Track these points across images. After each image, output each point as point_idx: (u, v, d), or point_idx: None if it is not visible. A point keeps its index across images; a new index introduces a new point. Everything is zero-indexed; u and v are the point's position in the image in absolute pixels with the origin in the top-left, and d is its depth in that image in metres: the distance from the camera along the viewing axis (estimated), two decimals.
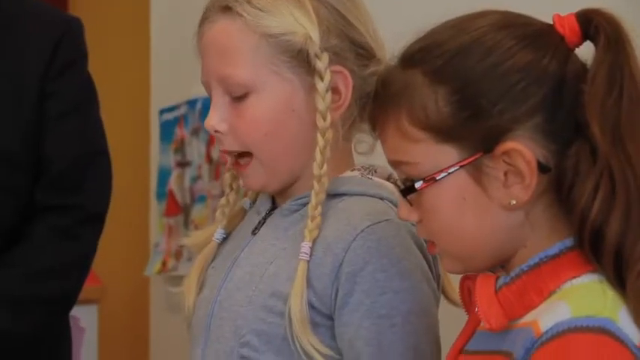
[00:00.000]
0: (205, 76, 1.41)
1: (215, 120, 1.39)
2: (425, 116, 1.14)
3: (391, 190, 1.39)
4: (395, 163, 1.19)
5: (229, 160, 1.45)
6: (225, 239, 1.48)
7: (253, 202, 1.50)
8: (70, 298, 1.96)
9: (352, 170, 1.43)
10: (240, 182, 1.47)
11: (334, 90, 1.37)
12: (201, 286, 1.46)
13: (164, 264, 3.19)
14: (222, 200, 1.49)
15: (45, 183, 1.92)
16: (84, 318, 3.05)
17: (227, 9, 1.38)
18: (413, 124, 1.15)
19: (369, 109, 1.24)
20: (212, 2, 1.41)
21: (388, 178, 1.42)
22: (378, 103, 1.20)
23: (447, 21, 1.17)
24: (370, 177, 1.42)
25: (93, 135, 1.99)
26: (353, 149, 1.45)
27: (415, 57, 1.16)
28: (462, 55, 1.13)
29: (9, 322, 1.85)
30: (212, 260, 1.47)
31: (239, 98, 1.38)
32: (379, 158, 1.44)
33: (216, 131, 1.39)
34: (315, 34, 1.36)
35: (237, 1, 1.37)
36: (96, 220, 1.97)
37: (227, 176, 1.49)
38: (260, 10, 1.37)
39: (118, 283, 3.30)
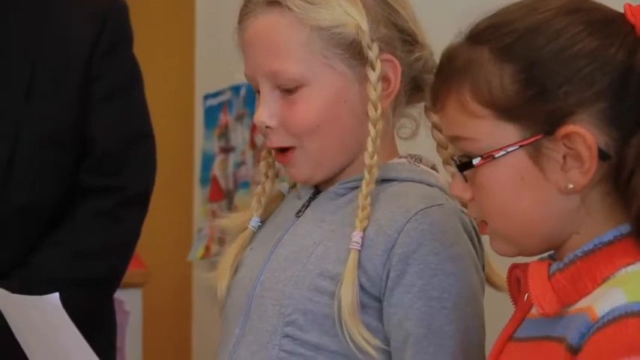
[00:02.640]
0: (251, 71, 1.41)
1: (265, 115, 1.39)
2: (489, 93, 1.14)
3: (437, 178, 1.41)
4: (453, 138, 1.19)
5: (271, 151, 1.45)
6: (261, 225, 1.48)
7: (292, 186, 1.50)
8: (114, 281, 1.97)
9: (399, 158, 1.43)
10: (283, 171, 1.47)
11: (384, 79, 1.38)
12: (235, 270, 1.45)
13: (207, 249, 3.20)
14: (258, 189, 1.49)
15: (89, 164, 1.93)
16: (128, 301, 3.06)
17: (274, 3, 1.38)
18: (476, 100, 1.15)
19: (431, 83, 1.24)
20: None
21: (432, 168, 1.43)
22: (441, 77, 1.20)
23: (518, 1, 1.18)
24: (417, 165, 1.42)
25: (138, 117, 1.99)
26: (396, 135, 1.45)
27: (483, 34, 1.16)
28: (531, 35, 1.14)
29: None
30: (247, 247, 1.47)
31: (289, 91, 1.38)
32: (418, 148, 1.44)
33: (267, 127, 1.39)
34: (364, 25, 1.36)
35: None
36: (139, 202, 1.97)
37: (262, 165, 1.49)
38: (309, 3, 1.37)
39: (162, 268, 3.31)
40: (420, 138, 1.47)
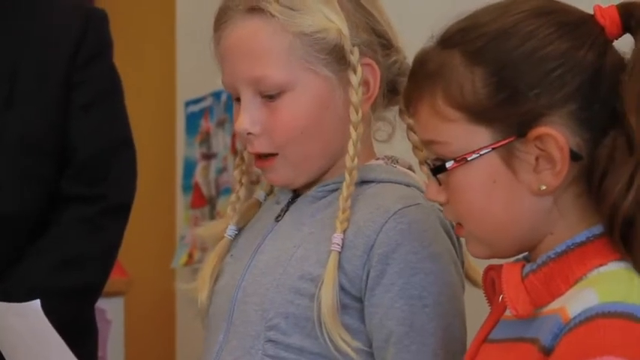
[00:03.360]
0: (230, 78, 1.40)
1: (247, 122, 1.38)
2: (461, 96, 1.14)
3: (414, 178, 1.42)
4: (427, 142, 1.19)
5: (247, 158, 1.46)
6: (239, 232, 1.48)
7: (268, 193, 1.50)
8: (95, 289, 1.97)
9: (377, 159, 1.44)
10: (263, 177, 1.47)
11: (364, 83, 1.39)
12: (216, 278, 1.45)
13: (190, 256, 3.20)
14: (232, 197, 1.49)
15: (70, 173, 1.93)
16: (110, 310, 3.06)
17: (254, 10, 1.38)
18: (448, 104, 1.15)
19: (404, 88, 1.25)
20: (232, 3, 1.40)
21: (409, 169, 1.44)
22: (413, 81, 1.21)
23: (489, 4, 1.18)
24: (394, 166, 1.43)
25: (118, 125, 1.99)
26: (372, 138, 1.46)
27: (454, 38, 1.17)
28: (502, 38, 1.14)
29: None
30: (225, 255, 1.47)
31: (271, 97, 1.38)
32: (394, 149, 1.46)
33: (249, 133, 1.39)
34: (345, 29, 1.37)
35: (266, 1, 1.37)
36: (120, 210, 1.97)
37: (236, 173, 1.49)
38: (291, 8, 1.37)
39: (144, 276, 3.31)
40: (396, 140, 1.48)
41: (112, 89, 2.00)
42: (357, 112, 1.37)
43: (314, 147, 1.39)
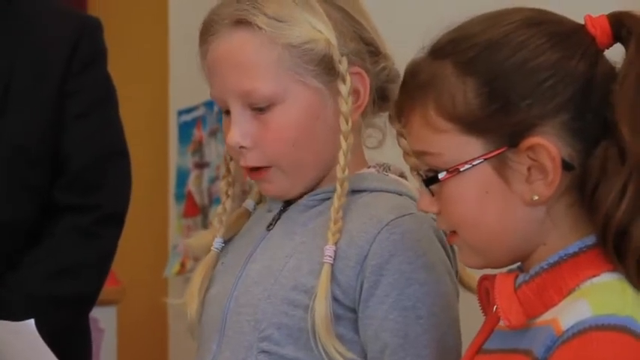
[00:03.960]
0: (219, 92, 1.40)
1: (238, 136, 1.38)
2: (452, 107, 1.14)
3: (407, 186, 1.41)
4: (418, 153, 1.19)
5: (233, 169, 1.45)
6: (228, 242, 1.47)
7: (257, 202, 1.50)
8: (90, 299, 1.97)
9: (368, 168, 1.44)
10: (257, 188, 1.47)
11: (354, 92, 1.38)
12: (207, 287, 1.45)
13: (183, 265, 3.19)
14: (219, 208, 1.48)
15: (63, 182, 1.93)
16: (103, 319, 3.05)
17: (241, 22, 1.37)
18: (439, 114, 1.15)
19: (396, 99, 1.24)
20: (218, 16, 1.39)
21: (401, 176, 1.44)
22: (405, 92, 1.20)
23: (479, 15, 1.18)
24: (386, 174, 1.43)
25: (112, 134, 1.99)
26: (363, 145, 1.46)
27: (446, 48, 1.16)
28: (493, 48, 1.14)
29: None
30: (214, 267, 1.46)
31: (261, 110, 1.37)
32: (385, 155, 1.46)
33: (241, 147, 1.38)
34: (333, 39, 1.37)
35: (253, 14, 1.36)
36: (115, 219, 1.97)
37: (222, 184, 1.48)
38: (278, 20, 1.36)
39: (137, 285, 3.30)
40: (386, 146, 1.47)
41: (106, 98, 2.00)
42: (347, 122, 1.36)
43: (306, 158, 1.39)
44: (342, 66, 1.36)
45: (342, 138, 1.36)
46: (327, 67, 1.37)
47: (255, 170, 1.41)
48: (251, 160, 1.39)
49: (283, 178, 1.40)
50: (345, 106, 1.36)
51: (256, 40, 1.36)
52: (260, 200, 1.50)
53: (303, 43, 1.36)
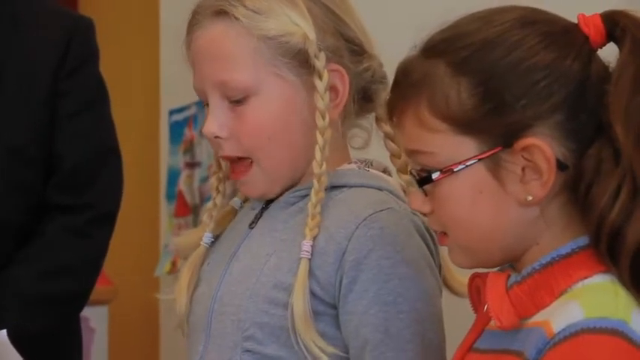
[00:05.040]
0: (199, 83, 1.40)
1: (215, 126, 1.38)
2: (446, 106, 1.14)
3: (388, 181, 1.40)
4: (411, 152, 1.18)
5: (224, 165, 1.45)
6: (216, 239, 1.47)
7: (244, 201, 1.49)
8: (82, 298, 1.96)
9: (349, 163, 1.43)
10: (238, 188, 1.47)
11: (332, 89, 1.38)
12: (195, 286, 1.45)
13: (174, 264, 3.19)
14: (209, 204, 1.48)
15: (56, 181, 1.93)
16: (94, 319, 3.05)
17: (220, 13, 1.38)
18: (433, 114, 1.14)
19: (388, 98, 1.23)
20: (201, 7, 1.40)
21: (384, 171, 1.43)
22: (397, 91, 1.19)
23: (473, 13, 1.17)
24: (367, 169, 1.42)
25: (104, 134, 1.99)
26: (348, 144, 1.45)
27: (439, 47, 1.16)
28: (487, 48, 1.13)
29: (19, 322, 1.85)
30: (202, 263, 1.46)
31: (238, 102, 1.37)
32: (371, 154, 1.45)
33: (216, 137, 1.38)
34: (311, 34, 1.36)
35: (232, 5, 1.37)
36: (107, 219, 1.97)
37: (213, 180, 1.48)
38: (256, 12, 1.36)
39: (128, 284, 3.30)
40: (373, 147, 1.46)
41: (98, 98, 2.00)
42: (323, 118, 1.36)
43: (283, 153, 1.38)
44: (319, 61, 1.36)
45: (318, 134, 1.36)
46: (303, 61, 1.37)
47: (236, 165, 1.40)
48: (228, 149, 1.39)
49: (262, 177, 1.39)
50: (321, 102, 1.36)
51: (233, 31, 1.37)
52: (246, 198, 1.49)
53: (278, 35, 1.36)
